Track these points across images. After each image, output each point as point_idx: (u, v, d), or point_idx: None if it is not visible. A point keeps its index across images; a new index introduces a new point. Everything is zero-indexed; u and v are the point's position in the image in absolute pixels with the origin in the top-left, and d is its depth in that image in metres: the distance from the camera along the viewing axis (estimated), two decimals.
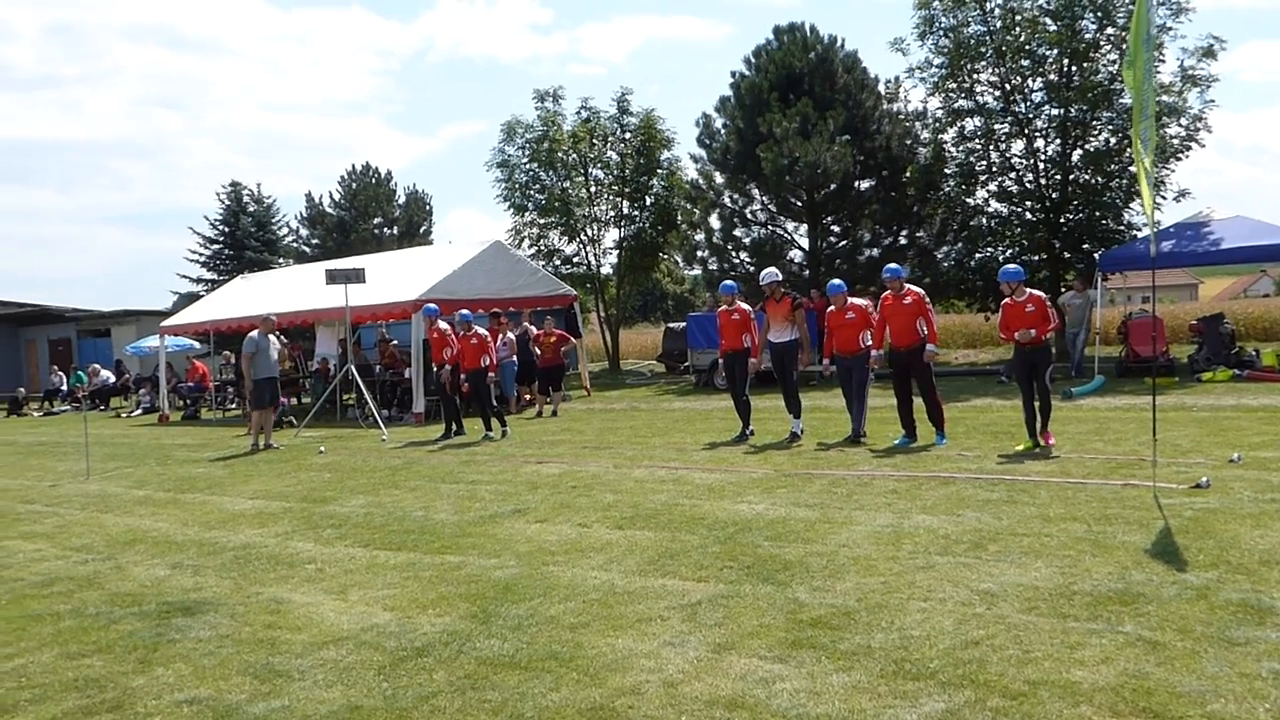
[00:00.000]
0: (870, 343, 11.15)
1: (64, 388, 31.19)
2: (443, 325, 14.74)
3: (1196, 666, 4.21)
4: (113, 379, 30.40)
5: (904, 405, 10.90)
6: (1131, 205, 21.37)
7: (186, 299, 41.79)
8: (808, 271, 24.82)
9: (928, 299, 10.99)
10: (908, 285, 10.95)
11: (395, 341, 20.16)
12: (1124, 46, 7.84)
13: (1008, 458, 9.57)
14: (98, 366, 30.78)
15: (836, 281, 11.70)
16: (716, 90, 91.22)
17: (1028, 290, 10.04)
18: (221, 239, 46.52)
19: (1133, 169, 20.90)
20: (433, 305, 15.47)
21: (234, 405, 22.88)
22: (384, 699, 4.55)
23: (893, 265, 11.30)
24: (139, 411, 25.93)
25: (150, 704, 4.70)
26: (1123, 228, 21.35)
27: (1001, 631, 4.78)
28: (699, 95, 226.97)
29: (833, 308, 11.43)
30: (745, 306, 12.28)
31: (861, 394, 11.31)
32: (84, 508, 10.71)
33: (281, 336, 15.49)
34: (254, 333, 15.19)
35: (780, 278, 11.96)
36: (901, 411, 10.95)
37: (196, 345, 28.29)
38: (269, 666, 5.08)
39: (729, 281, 12.99)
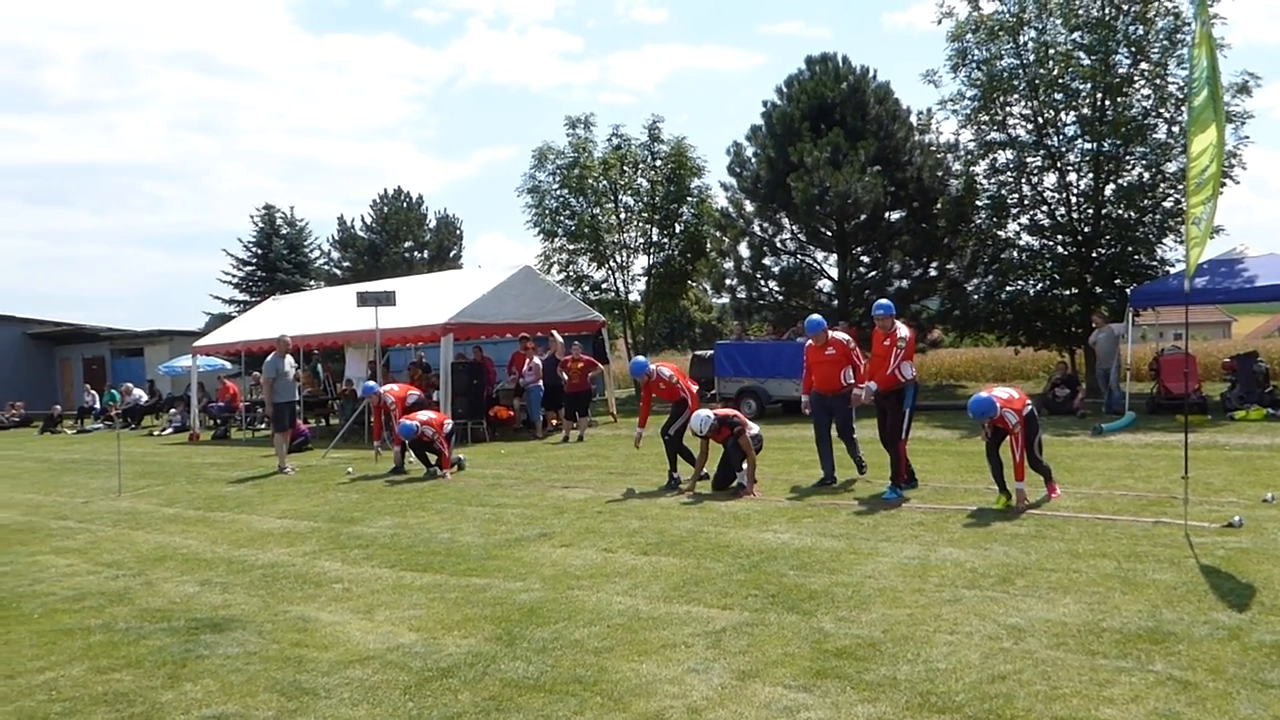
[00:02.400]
0: (853, 380, 10.50)
1: (97, 406, 31.55)
2: (389, 400, 14.47)
3: (1229, 708, 4.16)
4: (145, 398, 30.72)
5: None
6: (1164, 241, 21.24)
7: (219, 320, 42.22)
8: (836, 302, 24.80)
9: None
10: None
11: (432, 370, 20.20)
12: (1191, 105, 7.76)
13: (998, 512, 8.70)
14: (130, 385, 31.13)
15: (815, 317, 11.01)
16: (746, 120, 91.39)
17: (830, 333, 10.27)
18: (254, 261, 46.94)
19: (1166, 204, 20.82)
20: (371, 384, 15.27)
21: (263, 425, 23.03)
22: (409, 718, 4.57)
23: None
24: (170, 430, 26.17)
25: (178, 719, 4.75)
26: (1155, 263, 21.20)
27: (1029, 667, 4.74)
28: (728, 124, 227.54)
29: (811, 343, 10.78)
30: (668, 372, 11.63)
31: (848, 432, 10.72)
32: (115, 524, 10.83)
33: (291, 360, 15.44)
34: (271, 355, 15.15)
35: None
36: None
37: (228, 365, 28.60)
38: (296, 684, 5.11)
39: (640, 358, 12.17)
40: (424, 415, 13.46)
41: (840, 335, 10.73)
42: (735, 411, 10.97)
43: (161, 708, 4.90)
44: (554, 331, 19.03)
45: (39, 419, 31.30)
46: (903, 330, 9.90)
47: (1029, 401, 8.94)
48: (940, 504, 9.12)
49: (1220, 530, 7.40)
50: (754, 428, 10.63)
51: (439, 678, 5.08)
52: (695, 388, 11.77)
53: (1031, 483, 8.81)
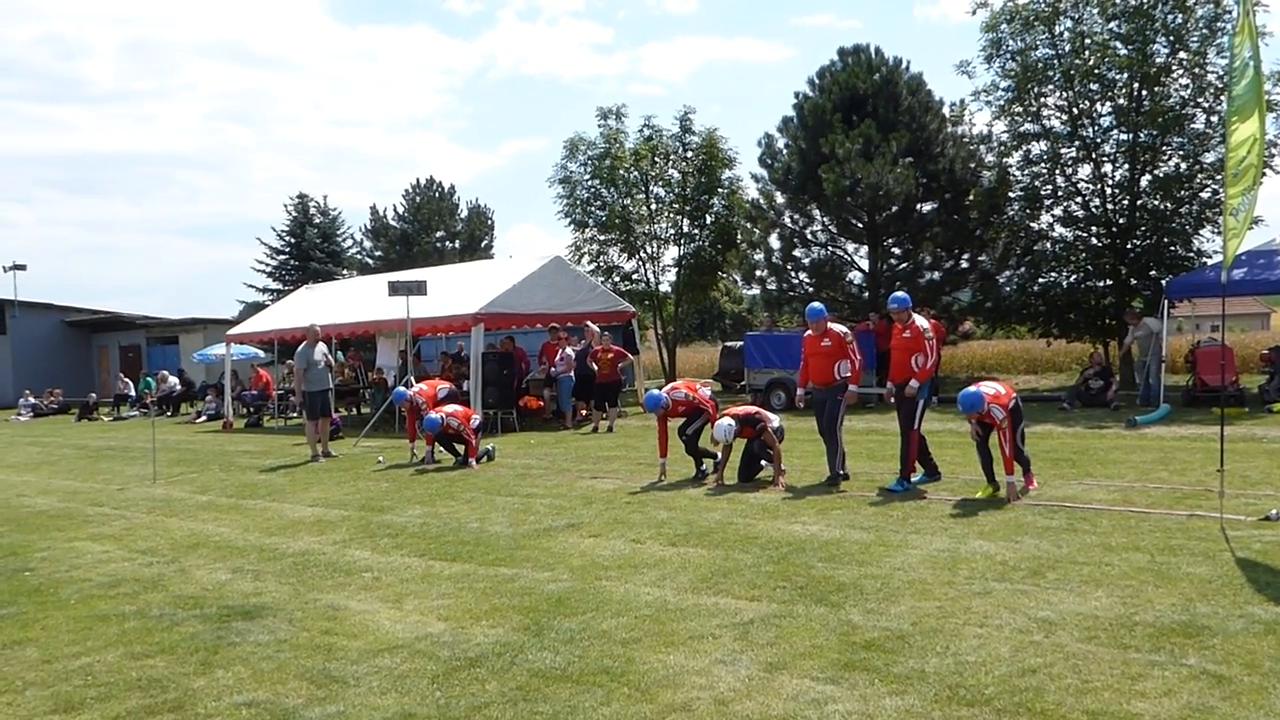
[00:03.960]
0: (847, 374, 10.25)
1: (132, 393, 31.93)
2: (418, 401, 14.28)
3: (1264, 702, 4.11)
4: (179, 386, 31.05)
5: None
6: (1201, 232, 20.94)
7: (252, 308, 42.64)
8: (867, 294, 24.64)
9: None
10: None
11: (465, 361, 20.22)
12: (1231, 94, 7.65)
13: (977, 501, 8.87)
14: (165, 373, 31.48)
15: (816, 305, 10.59)
16: (777, 111, 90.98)
17: (829, 325, 10.23)
18: (287, 250, 47.35)
19: (1203, 195, 20.53)
20: (402, 390, 15.11)
21: (296, 414, 23.22)
22: (437, 707, 4.60)
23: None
24: (204, 418, 26.45)
25: (210, 705, 4.80)
26: (1192, 254, 20.92)
27: (1060, 660, 4.70)
28: (759, 116, 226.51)
29: (809, 332, 10.46)
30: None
31: (833, 429, 10.21)
32: (150, 511, 10.96)
33: (323, 348, 15.51)
34: (302, 345, 15.29)
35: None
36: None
37: (261, 354, 28.85)
38: (325, 672, 5.15)
39: (652, 393, 11.61)
40: (450, 408, 13.57)
41: (838, 328, 10.45)
42: (754, 408, 10.95)
43: (194, 694, 4.96)
44: (589, 323, 19.02)
45: (76, 406, 31.74)
46: (921, 321, 9.86)
47: (1015, 395, 9.18)
48: (970, 496, 9.05)
49: (1257, 523, 7.30)
50: (775, 420, 10.61)
51: (467, 667, 5.10)
52: (709, 392, 11.70)
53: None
